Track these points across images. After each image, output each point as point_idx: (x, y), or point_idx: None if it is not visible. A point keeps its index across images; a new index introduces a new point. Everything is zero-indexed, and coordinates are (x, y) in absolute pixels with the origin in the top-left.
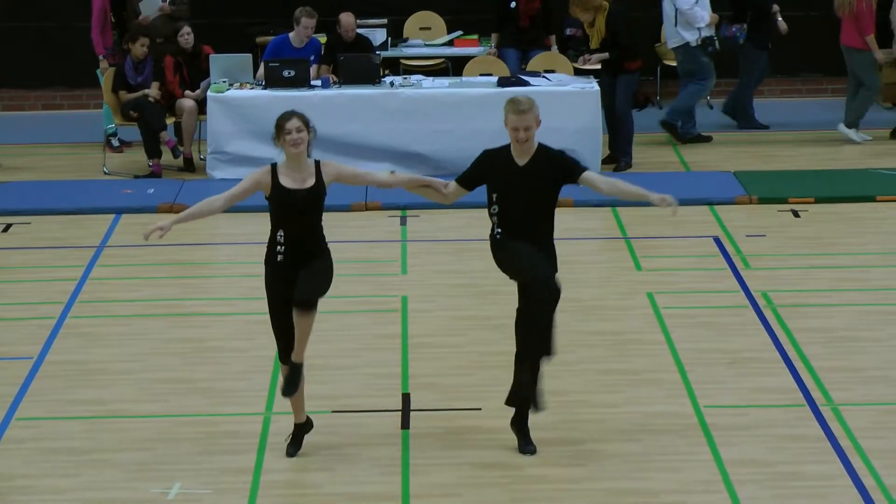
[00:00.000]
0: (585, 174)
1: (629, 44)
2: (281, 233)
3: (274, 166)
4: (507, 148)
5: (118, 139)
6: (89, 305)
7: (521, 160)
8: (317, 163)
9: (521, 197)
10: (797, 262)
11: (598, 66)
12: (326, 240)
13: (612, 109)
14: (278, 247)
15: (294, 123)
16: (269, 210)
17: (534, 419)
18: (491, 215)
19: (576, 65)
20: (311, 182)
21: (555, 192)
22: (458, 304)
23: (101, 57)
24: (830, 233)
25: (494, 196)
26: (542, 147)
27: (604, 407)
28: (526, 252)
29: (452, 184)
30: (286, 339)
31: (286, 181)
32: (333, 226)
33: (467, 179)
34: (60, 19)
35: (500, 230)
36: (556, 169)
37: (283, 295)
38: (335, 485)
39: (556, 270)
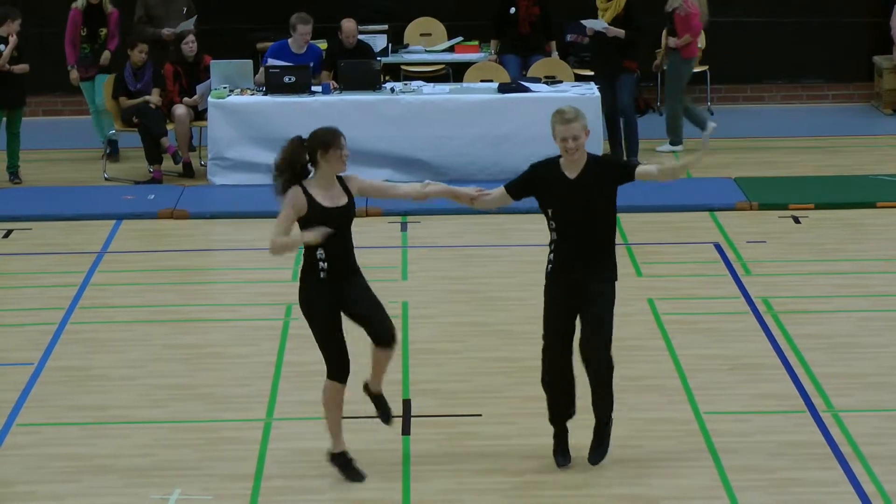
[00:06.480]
0: (640, 169)
1: (641, 29)
2: (321, 252)
3: (303, 186)
4: (555, 161)
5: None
6: (90, 311)
7: (573, 173)
8: (339, 178)
9: (578, 213)
10: (798, 269)
11: (602, 30)
12: None
13: (612, 112)
14: (320, 263)
15: (345, 140)
16: (302, 229)
17: (533, 425)
18: (550, 231)
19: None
20: (344, 199)
21: (612, 200)
22: (458, 311)
23: (70, 67)
24: (831, 239)
25: (550, 212)
26: (590, 157)
27: None
28: (553, 312)
29: (499, 189)
30: (344, 355)
31: (322, 199)
32: None
33: (515, 188)
34: (60, 26)
35: (552, 263)
36: (610, 174)
37: (336, 311)
38: (336, 491)
39: (613, 298)
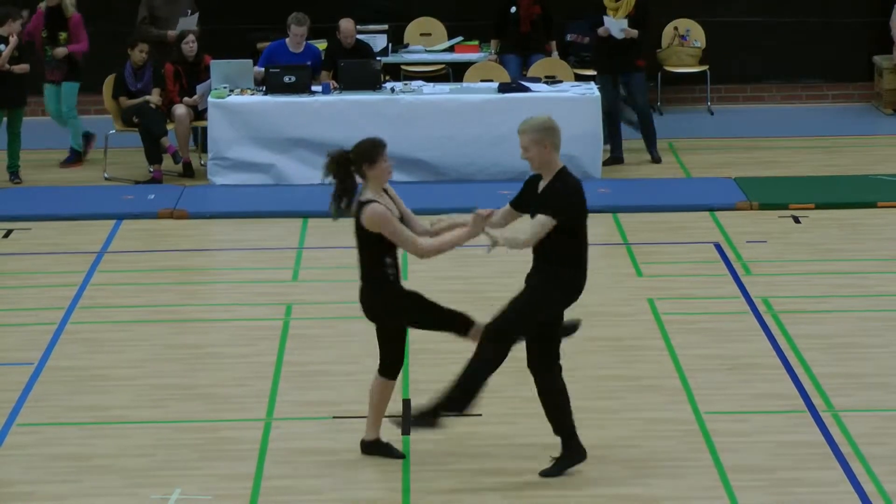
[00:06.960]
0: (536, 216)
1: (647, 31)
2: (389, 259)
3: (375, 200)
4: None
5: (70, 156)
6: (90, 311)
7: (541, 186)
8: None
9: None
10: (798, 268)
11: (620, 35)
12: (329, 245)
13: (612, 109)
14: (389, 269)
15: (386, 150)
16: (375, 240)
17: (534, 425)
18: None
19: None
20: (395, 207)
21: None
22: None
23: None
24: (831, 239)
25: None
26: (559, 176)
27: (604, 413)
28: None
29: (504, 207)
30: (453, 313)
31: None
32: (335, 232)
33: (516, 201)
34: None
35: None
36: (543, 202)
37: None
38: (335, 490)
39: (532, 299)
